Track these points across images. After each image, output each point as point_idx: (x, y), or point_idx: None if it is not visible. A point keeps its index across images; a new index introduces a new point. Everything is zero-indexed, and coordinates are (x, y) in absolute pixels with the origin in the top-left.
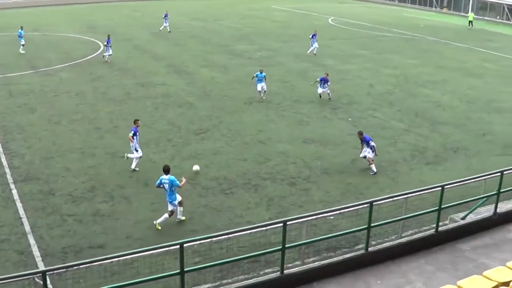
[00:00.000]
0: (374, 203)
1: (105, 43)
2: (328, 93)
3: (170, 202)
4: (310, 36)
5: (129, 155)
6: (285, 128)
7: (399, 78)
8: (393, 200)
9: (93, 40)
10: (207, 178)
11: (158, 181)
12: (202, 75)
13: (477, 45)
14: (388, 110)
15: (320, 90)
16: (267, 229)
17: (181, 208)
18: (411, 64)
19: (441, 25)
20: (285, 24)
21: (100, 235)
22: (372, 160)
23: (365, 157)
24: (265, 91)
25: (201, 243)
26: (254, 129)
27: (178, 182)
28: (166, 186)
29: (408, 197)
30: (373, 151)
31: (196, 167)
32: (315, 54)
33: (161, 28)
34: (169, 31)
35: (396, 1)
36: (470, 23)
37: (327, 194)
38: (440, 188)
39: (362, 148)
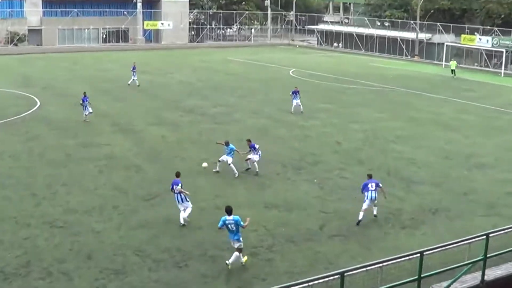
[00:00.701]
0: (345, 274)
1: (81, 102)
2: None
3: (238, 240)
4: (291, 93)
5: (187, 213)
6: (244, 192)
7: (368, 133)
8: (366, 270)
9: (28, 95)
10: (158, 249)
11: (221, 223)
12: (151, 134)
13: (453, 95)
14: (357, 169)
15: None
16: None
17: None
18: (381, 118)
19: (412, 75)
20: (242, 77)
21: None
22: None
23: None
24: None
25: None
26: (210, 194)
27: (243, 222)
28: (231, 226)
29: (383, 265)
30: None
31: (205, 164)
32: (301, 112)
33: (129, 82)
34: (138, 85)
35: (363, 50)
36: (453, 71)
37: (293, 265)
38: (419, 254)
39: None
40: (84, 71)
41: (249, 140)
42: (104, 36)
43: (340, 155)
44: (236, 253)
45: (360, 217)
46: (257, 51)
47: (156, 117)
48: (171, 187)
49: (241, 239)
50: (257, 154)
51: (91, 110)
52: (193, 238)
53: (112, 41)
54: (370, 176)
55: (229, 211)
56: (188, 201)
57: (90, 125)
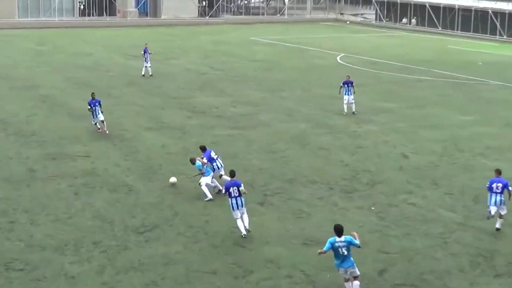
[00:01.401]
0: None
1: (89, 107)
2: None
3: (352, 266)
4: (341, 84)
5: (247, 221)
6: (275, 222)
7: (447, 143)
8: None
9: None
10: None
11: (328, 246)
12: (147, 143)
13: None
14: (431, 193)
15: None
16: None
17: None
18: (465, 122)
19: (510, 62)
20: (271, 65)
21: None
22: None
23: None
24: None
25: None
26: (227, 225)
27: (356, 241)
28: (342, 250)
29: None
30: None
31: (173, 179)
32: (354, 112)
33: (143, 73)
34: (151, 74)
35: (439, 28)
36: None
37: None
38: None
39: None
40: (54, 55)
41: (203, 148)
42: (82, 7)
43: (407, 173)
44: (356, 283)
45: (492, 212)
46: (292, 29)
47: (153, 119)
48: (225, 190)
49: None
50: (212, 172)
51: (103, 118)
52: (204, 286)
53: (93, 14)
54: (498, 173)
55: (340, 230)
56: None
57: (62, 129)
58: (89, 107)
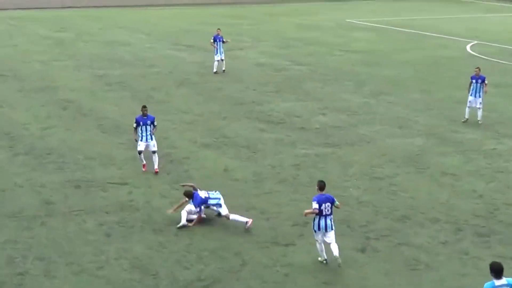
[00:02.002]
0: None
1: (135, 125)
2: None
3: None
4: (471, 80)
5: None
6: (381, 277)
7: None
8: None
9: None
10: None
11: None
12: (203, 166)
13: None
14: None
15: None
16: None
17: None
18: None
19: None
20: (376, 57)
21: None
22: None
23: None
24: None
25: None
26: (314, 279)
27: None
28: None
29: None
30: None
31: (183, 221)
32: (479, 121)
33: (215, 69)
34: (224, 70)
35: None
36: None
37: None
38: None
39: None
40: (78, 44)
41: (188, 195)
42: None
43: None
44: None
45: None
46: (402, 8)
47: (213, 132)
48: (318, 206)
49: None
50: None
51: (154, 147)
52: None
53: None
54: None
55: (498, 271)
56: None
57: (89, 148)
58: (135, 124)
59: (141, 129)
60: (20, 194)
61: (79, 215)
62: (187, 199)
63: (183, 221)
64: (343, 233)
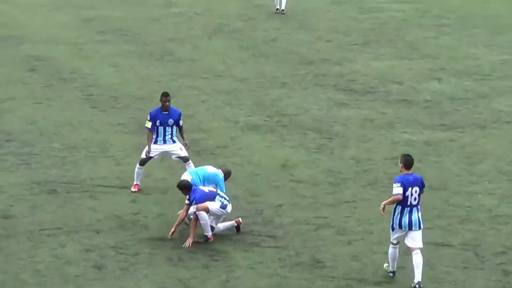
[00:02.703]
0: None
1: (149, 125)
2: None
3: None
4: None
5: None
6: None
7: None
8: None
9: None
10: None
11: None
12: (250, 157)
13: None
14: None
15: None
16: None
17: None
18: None
19: None
20: None
21: None
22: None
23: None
24: None
25: None
26: None
27: None
28: None
29: None
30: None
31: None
32: None
33: (277, 5)
34: (283, 10)
35: None
36: None
37: None
38: None
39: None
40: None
41: (185, 187)
42: None
43: None
44: None
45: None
46: None
47: (263, 107)
48: (402, 190)
49: None
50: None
51: (184, 152)
52: None
53: None
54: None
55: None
56: None
57: (65, 133)
58: (149, 123)
59: (158, 131)
60: None
61: (54, 235)
62: (187, 201)
63: (206, 231)
64: (466, 264)
